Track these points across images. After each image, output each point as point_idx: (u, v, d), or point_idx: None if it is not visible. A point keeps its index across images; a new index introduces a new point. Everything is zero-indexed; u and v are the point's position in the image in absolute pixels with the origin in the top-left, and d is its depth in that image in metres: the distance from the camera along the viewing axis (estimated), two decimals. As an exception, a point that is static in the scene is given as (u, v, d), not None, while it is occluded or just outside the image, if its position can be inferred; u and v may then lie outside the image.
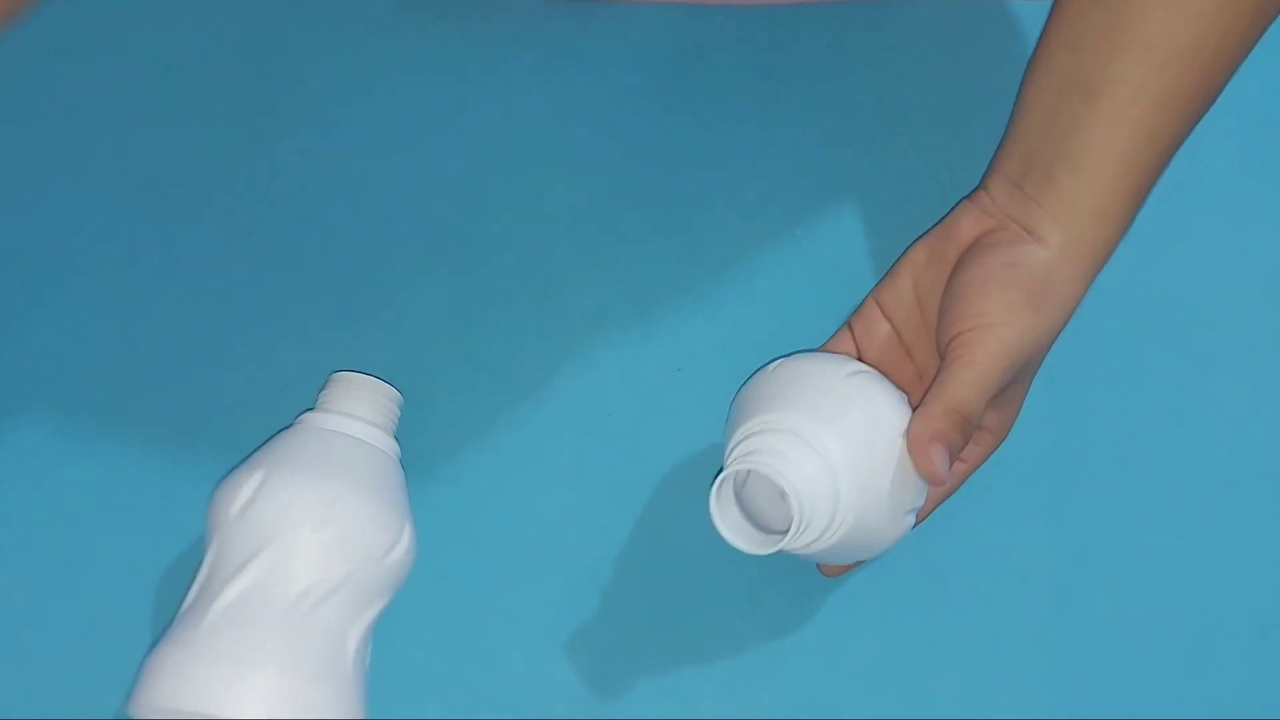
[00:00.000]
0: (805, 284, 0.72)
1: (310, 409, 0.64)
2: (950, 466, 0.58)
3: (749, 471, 0.60)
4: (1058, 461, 0.68)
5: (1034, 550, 0.67)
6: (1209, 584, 0.67)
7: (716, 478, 0.58)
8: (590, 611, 0.65)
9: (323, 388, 0.64)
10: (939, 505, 0.65)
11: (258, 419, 0.68)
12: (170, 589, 0.65)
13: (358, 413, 0.63)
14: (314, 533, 0.58)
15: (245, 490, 0.59)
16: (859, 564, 0.64)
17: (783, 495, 0.59)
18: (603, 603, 0.66)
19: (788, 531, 0.57)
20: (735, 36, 0.76)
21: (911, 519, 0.60)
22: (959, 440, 0.58)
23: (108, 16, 0.76)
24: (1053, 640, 0.66)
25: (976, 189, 0.65)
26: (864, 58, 0.77)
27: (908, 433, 0.59)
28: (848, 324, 0.66)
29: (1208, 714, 0.65)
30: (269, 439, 0.63)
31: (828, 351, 0.65)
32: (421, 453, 0.66)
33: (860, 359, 0.64)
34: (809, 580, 0.66)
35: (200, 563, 0.60)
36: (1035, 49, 0.64)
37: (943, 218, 0.65)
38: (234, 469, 0.62)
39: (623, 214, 0.72)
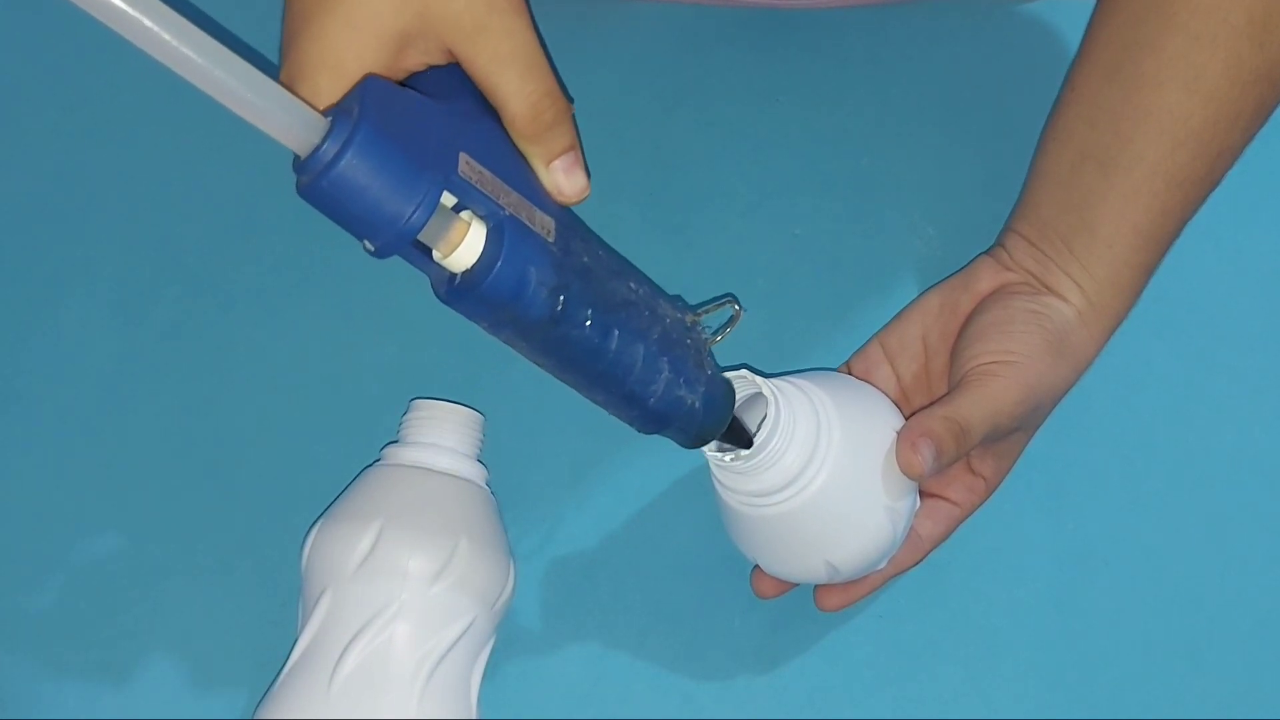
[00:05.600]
0: (803, 283, 0.72)
1: (394, 441, 0.63)
2: (932, 468, 0.58)
3: (743, 404, 0.60)
4: (1058, 460, 0.68)
5: (1034, 549, 0.67)
6: (1209, 584, 0.67)
7: None
8: (590, 611, 0.65)
9: (406, 416, 0.63)
10: (928, 554, 0.64)
11: (256, 419, 0.68)
12: (172, 592, 0.65)
13: (460, 447, 0.62)
14: (434, 588, 0.58)
15: (362, 544, 0.58)
16: (852, 599, 0.64)
17: (760, 426, 0.58)
18: (603, 603, 0.66)
19: (758, 444, 0.56)
20: (735, 36, 0.76)
21: (889, 529, 0.59)
22: (950, 448, 0.58)
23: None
24: (1053, 640, 0.66)
25: (993, 246, 0.66)
26: (863, 58, 0.77)
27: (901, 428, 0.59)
28: (847, 363, 0.66)
29: (1208, 714, 0.65)
30: (362, 475, 0.62)
31: None
32: (421, 452, 0.66)
33: None
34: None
35: (303, 608, 0.60)
36: (1050, 118, 0.65)
37: (958, 271, 0.66)
38: (327, 513, 0.61)
39: (621, 212, 0.72)
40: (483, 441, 0.64)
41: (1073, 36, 0.66)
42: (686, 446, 0.57)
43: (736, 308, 0.60)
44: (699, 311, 0.58)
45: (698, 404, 0.55)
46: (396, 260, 0.71)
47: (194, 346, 0.69)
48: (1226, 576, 0.67)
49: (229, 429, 0.68)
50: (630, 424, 0.56)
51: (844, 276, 0.72)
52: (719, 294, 0.61)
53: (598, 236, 0.57)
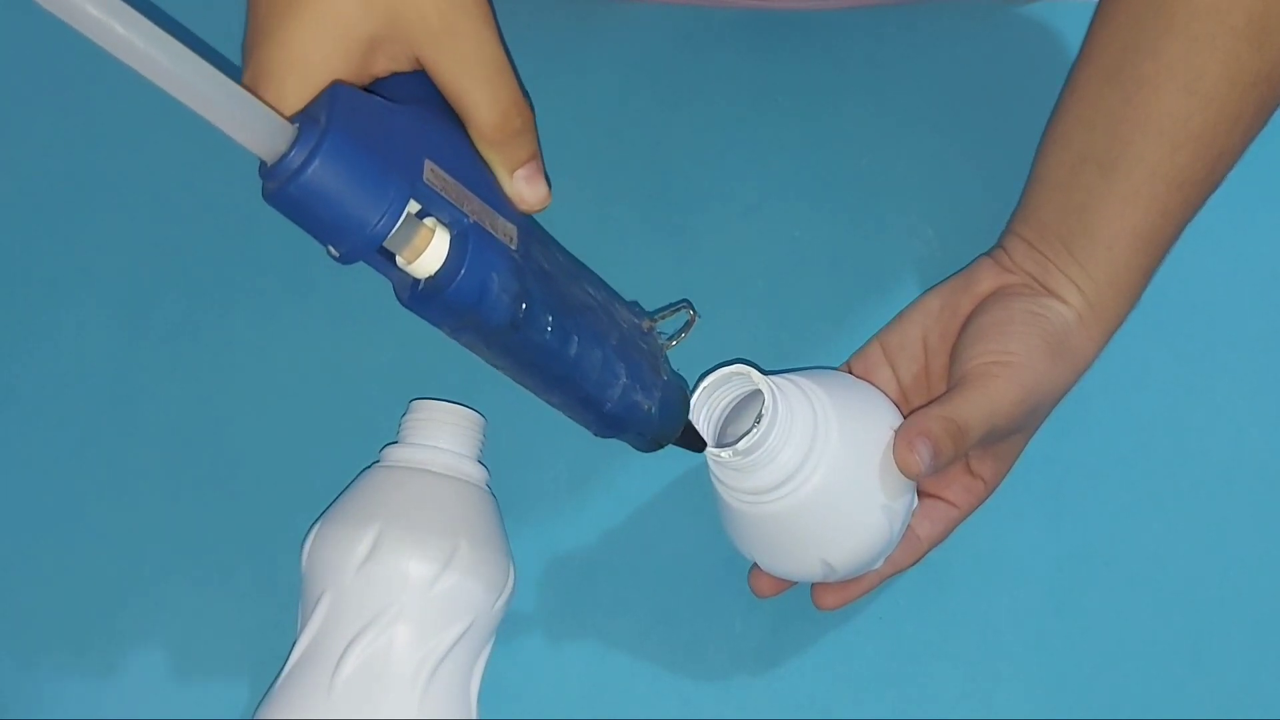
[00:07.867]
0: (803, 285, 0.72)
1: (393, 442, 0.63)
2: (929, 468, 0.58)
3: (741, 400, 0.60)
4: (1058, 461, 0.68)
5: (1034, 550, 0.67)
6: (1209, 584, 0.67)
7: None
8: (590, 611, 0.65)
9: (405, 417, 0.63)
10: (926, 555, 0.64)
11: (256, 421, 0.68)
12: (172, 593, 0.65)
13: (460, 448, 0.62)
14: (434, 589, 0.58)
15: (362, 545, 0.58)
16: (850, 598, 0.64)
17: (758, 417, 0.57)
18: (603, 603, 0.66)
19: (752, 437, 0.56)
20: (735, 36, 0.76)
21: (885, 528, 0.59)
22: (947, 448, 0.58)
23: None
24: (1052, 641, 0.66)
25: (993, 248, 0.66)
26: (862, 60, 0.77)
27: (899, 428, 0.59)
28: (847, 364, 0.66)
29: (1208, 714, 0.65)
30: (361, 475, 0.62)
31: None
32: (421, 453, 0.66)
33: None
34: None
35: (303, 609, 0.60)
36: (1050, 121, 0.65)
37: (958, 272, 0.66)
38: (327, 514, 0.61)
39: (620, 214, 0.72)
40: (483, 442, 0.64)
41: (1073, 39, 0.66)
42: (642, 450, 0.58)
43: (692, 313, 0.60)
44: (655, 317, 0.59)
45: (653, 409, 0.56)
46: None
47: (193, 348, 0.69)
48: (1226, 577, 0.67)
49: (228, 431, 0.68)
50: (587, 427, 0.56)
51: (843, 278, 0.72)
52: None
53: (555, 240, 0.57)
